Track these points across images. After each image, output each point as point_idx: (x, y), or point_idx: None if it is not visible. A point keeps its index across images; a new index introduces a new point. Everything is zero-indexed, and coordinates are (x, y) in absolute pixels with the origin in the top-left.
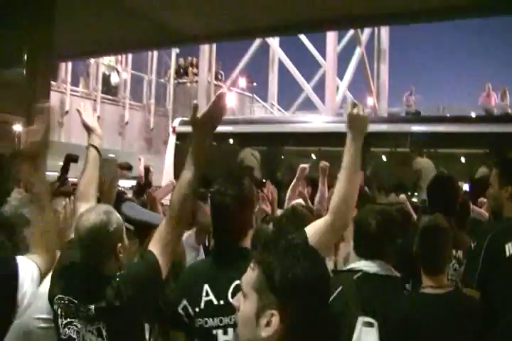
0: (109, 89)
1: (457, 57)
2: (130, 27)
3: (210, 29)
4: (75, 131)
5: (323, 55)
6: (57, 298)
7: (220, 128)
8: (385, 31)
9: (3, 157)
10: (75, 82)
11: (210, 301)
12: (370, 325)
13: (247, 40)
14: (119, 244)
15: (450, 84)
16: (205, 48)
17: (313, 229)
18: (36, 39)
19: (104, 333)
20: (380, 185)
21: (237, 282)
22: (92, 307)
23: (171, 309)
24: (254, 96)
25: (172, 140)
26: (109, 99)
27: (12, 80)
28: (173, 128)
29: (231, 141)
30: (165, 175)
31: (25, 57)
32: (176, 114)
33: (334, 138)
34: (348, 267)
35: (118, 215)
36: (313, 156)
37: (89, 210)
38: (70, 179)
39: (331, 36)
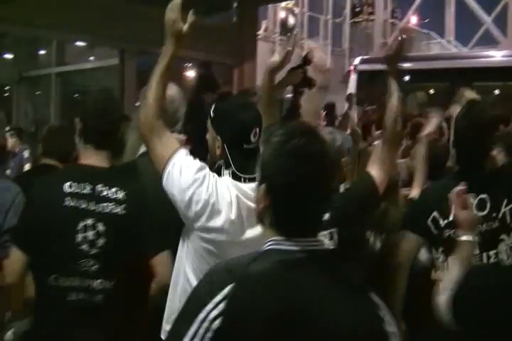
0: (286, 31)
1: None
2: None
3: None
4: None
5: None
6: None
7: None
8: None
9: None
10: None
11: None
12: None
13: None
14: (343, 159)
15: None
16: None
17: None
18: None
19: (336, 236)
20: None
21: (481, 196)
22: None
23: (420, 220)
24: (430, 33)
25: (353, 78)
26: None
27: (223, 25)
28: (354, 66)
29: (407, 77)
30: None
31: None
32: (352, 54)
33: None
34: None
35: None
36: (495, 92)
37: None
38: None
39: None
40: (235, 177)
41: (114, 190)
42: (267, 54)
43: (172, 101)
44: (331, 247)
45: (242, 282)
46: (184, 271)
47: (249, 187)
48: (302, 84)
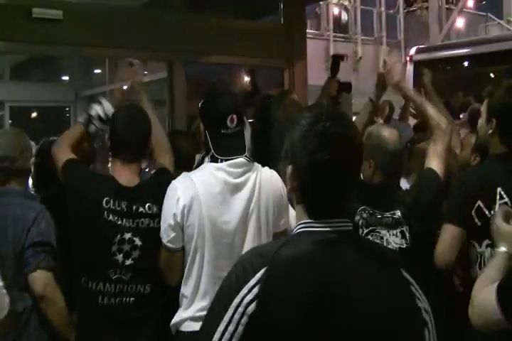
0: (339, 27)
1: None
2: None
3: None
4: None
5: None
6: (360, 209)
7: (456, 52)
8: None
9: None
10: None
11: (506, 203)
12: None
13: None
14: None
15: None
16: None
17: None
18: None
19: (407, 235)
20: None
21: None
22: (398, 213)
23: (464, 210)
24: (489, 14)
25: (410, 69)
26: (340, 37)
27: (271, 28)
28: (410, 57)
29: (466, 63)
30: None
31: (281, 5)
32: (408, 44)
33: None
34: None
35: None
36: None
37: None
38: None
39: None
40: (214, 159)
41: (147, 205)
42: (322, 52)
43: None
44: (404, 246)
45: (275, 264)
46: None
47: (226, 164)
48: (340, 90)
